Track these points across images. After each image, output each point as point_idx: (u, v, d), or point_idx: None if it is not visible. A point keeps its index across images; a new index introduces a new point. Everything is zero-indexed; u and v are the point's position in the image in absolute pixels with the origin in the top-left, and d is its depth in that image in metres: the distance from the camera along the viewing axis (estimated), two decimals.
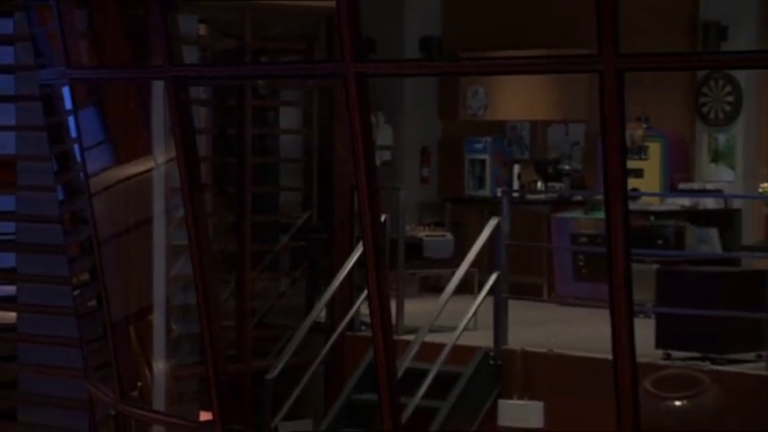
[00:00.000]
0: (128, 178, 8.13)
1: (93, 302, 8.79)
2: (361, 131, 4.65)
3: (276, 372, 9.14)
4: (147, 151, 8.11)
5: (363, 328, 9.66)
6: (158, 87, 7.23)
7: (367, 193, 4.72)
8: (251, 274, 9.91)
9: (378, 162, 10.81)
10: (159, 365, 7.96)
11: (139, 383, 7.88)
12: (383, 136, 12.49)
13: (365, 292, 6.51)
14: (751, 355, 8.44)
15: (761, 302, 8.19)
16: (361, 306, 9.53)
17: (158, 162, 7.99)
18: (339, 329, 9.59)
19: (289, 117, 11.37)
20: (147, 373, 7.94)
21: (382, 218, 8.90)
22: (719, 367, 8.30)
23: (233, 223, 9.94)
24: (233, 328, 9.74)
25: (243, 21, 9.68)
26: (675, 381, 7.92)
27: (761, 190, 9.46)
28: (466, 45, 12.22)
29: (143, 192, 8.03)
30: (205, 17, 9.94)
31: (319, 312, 9.65)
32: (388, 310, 4.89)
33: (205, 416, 7.33)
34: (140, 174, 8.14)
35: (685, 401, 7.77)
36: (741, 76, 11.19)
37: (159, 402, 7.65)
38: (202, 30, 10.12)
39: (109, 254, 7.66)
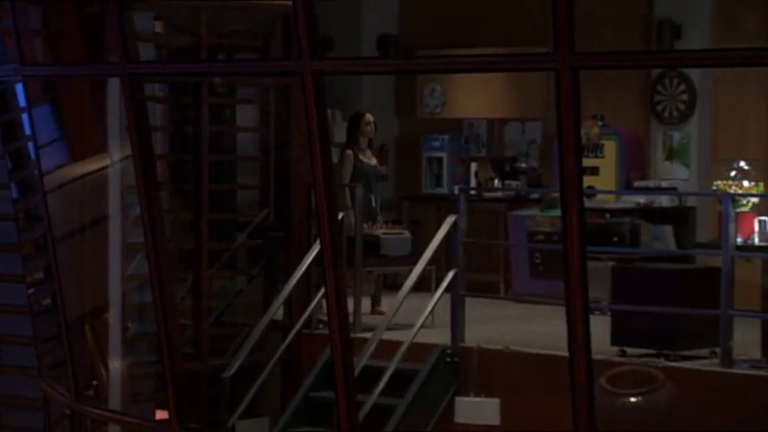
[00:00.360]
0: (83, 176, 8.08)
1: (48, 301, 8.73)
2: (317, 129, 4.65)
3: (233, 370, 9.12)
4: (102, 149, 8.06)
5: (321, 326, 9.66)
6: (114, 84, 7.19)
7: (324, 191, 4.72)
8: (208, 273, 9.87)
9: (335, 160, 10.83)
10: (115, 364, 7.92)
11: (95, 382, 7.84)
12: (341, 133, 12.48)
13: (322, 290, 6.51)
14: (705, 352, 8.51)
15: (714, 299, 8.27)
16: (318, 304, 9.52)
17: (114, 160, 7.94)
18: (296, 327, 9.58)
19: (246, 115, 11.34)
20: (103, 371, 7.90)
21: (339, 216, 8.92)
22: (674, 364, 8.37)
23: (190, 221, 9.89)
24: (190, 326, 9.71)
25: (199, 18, 9.64)
26: (630, 377, 7.98)
27: (715, 187, 9.53)
28: (423, 43, 12.24)
29: (98, 190, 7.99)
30: (161, 14, 9.89)
31: (276, 310, 9.63)
32: (345, 308, 4.90)
33: (161, 415, 7.30)
34: (96, 171, 8.09)
35: (640, 398, 7.83)
36: (695, 74, 11.29)
37: (115, 401, 7.61)
38: (158, 27, 10.06)
39: (64, 252, 7.61)
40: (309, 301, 9.68)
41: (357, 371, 7.98)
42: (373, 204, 10.42)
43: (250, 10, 10.22)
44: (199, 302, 9.74)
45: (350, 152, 10.35)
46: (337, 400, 4.78)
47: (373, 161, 10.50)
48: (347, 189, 10.16)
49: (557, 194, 5.81)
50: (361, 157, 10.37)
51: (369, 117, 10.53)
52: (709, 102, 11.41)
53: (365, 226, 10.19)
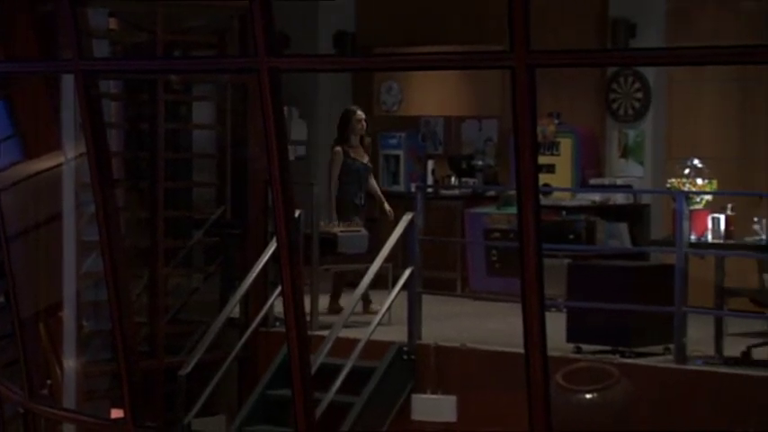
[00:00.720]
0: (37, 173, 8.02)
1: (2, 299, 8.64)
2: (274, 126, 4.64)
3: (189, 368, 9.08)
4: (56, 146, 8.00)
5: (277, 323, 9.64)
6: (68, 81, 7.14)
7: (280, 189, 4.71)
8: (164, 270, 9.82)
9: (292, 157, 10.81)
10: (70, 363, 7.86)
11: (49, 381, 7.78)
12: (297, 131, 12.46)
13: (279, 287, 6.50)
14: (659, 348, 8.58)
15: (669, 296, 8.34)
16: (275, 302, 9.50)
17: (69, 157, 7.88)
18: (253, 325, 9.55)
19: (202, 112, 11.29)
20: (58, 370, 7.84)
21: (296, 213, 8.91)
22: (629, 360, 8.43)
23: (145, 219, 9.84)
24: (145, 324, 9.65)
25: (154, 14, 9.59)
26: (586, 374, 8.03)
27: (669, 185, 9.61)
28: (380, 41, 12.24)
29: (53, 187, 7.92)
30: (115, 11, 9.83)
31: (233, 308, 9.61)
32: (302, 306, 4.88)
33: (116, 413, 7.25)
34: (50, 169, 8.03)
35: (595, 394, 7.88)
36: (650, 72, 11.37)
37: (70, 400, 7.56)
38: (113, 23, 9.99)
39: (17, 250, 7.54)
40: (266, 298, 9.65)
41: (314, 369, 7.97)
42: (360, 202, 10.36)
43: (206, 7, 10.18)
44: (155, 300, 9.69)
45: (339, 149, 10.31)
46: (294, 397, 4.78)
47: (365, 158, 10.41)
48: (332, 188, 10.22)
49: (513, 192, 5.82)
50: (352, 154, 10.30)
51: (360, 114, 10.47)
52: (664, 100, 11.50)
53: (322, 223, 10.18)
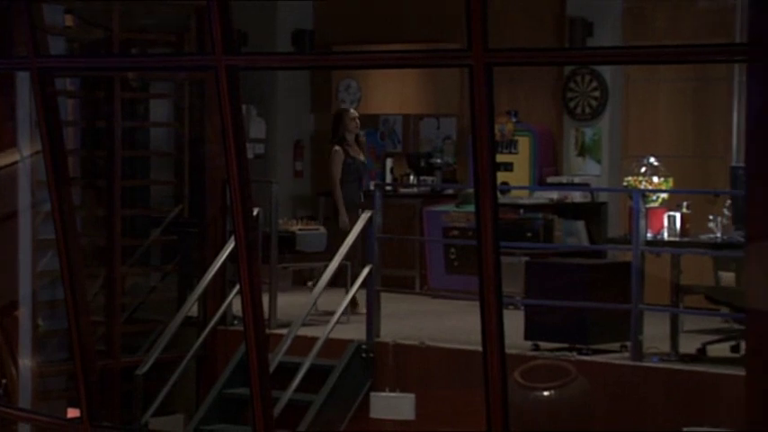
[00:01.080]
0: None
1: None
2: (232, 124, 4.62)
3: (146, 367, 9.03)
4: (12, 144, 7.93)
5: (236, 322, 9.61)
6: (24, 79, 7.07)
7: (238, 187, 4.70)
8: (121, 269, 9.77)
9: (250, 155, 10.78)
10: (25, 362, 7.80)
11: (4, 380, 7.71)
12: (256, 129, 12.43)
13: (237, 286, 6.48)
14: (616, 346, 8.64)
15: (626, 293, 8.39)
16: (233, 300, 9.47)
17: (24, 155, 7.82)
18: (211, 324, 9.52)
19: (159, 110, 11.23)
20: (13, 369, 7.77)
21: (254, 212, 8.88)
22: (586, 358, 8.48)
23: (102, 217, 9.78)
24: (102, 323, 9.60)
25: (110, 12, 9.53)
26: (543, 371, 8.06)
27: (625, 183, 9.67)
28: (338, 38, 12.24)
29: (8, 185, 7.86)
30: (71, 8, 9.76)
31: (191, 307, 9.57)
32: (260, 305, 4.87)
33: (73, 413, 7.21)
34: (5, 167, 7.96)
35: (553, 392, 7.92)
36: (606, 71, 11.44)
37: (25, 400, 7.49)
38: (69, 20, 9.92)
39: None
40: (224, 297, 9.62)
41: (272, 367, 7.96)
42: (360, 200, 10.27)
43: (164, 4, 10.13)
44: (111, 299, 9.64)
45: (339, 148, 10.25)
46: (252, 396, 4.76)
47: (361, 156, 10.40)
48: (338, 187, 10.17)
49: (471, 190, 5.83)
50: (350, 152, 10.27)
51: (353, 113, 10.44)
52: (621, 99, 11.57)
53: (281, 222, 10.15)
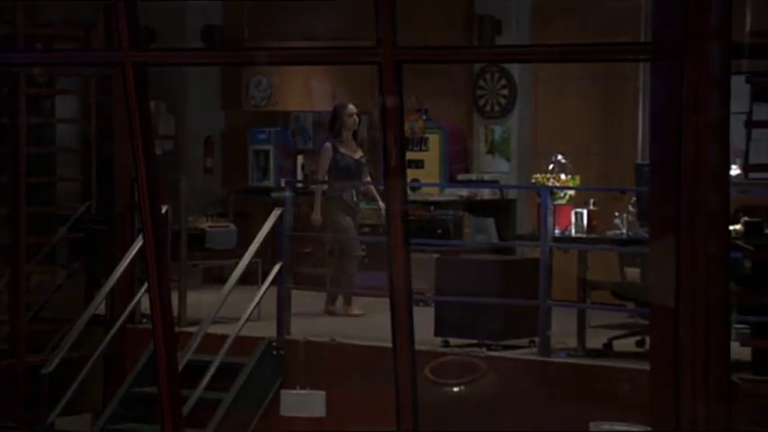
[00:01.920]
0: None
1: None
2: (139, 121, 4.57)
3: (52, 366, 8.91)
4: None
5: (144, 320, 9.52)
6: None
7: (146, 184, 4.65)
8: (26, 268, 9.62)
9: (159, 152, 10.68)
10: None
11: None
12: (165, 125, 12.31)
13: (146, 284, 6.42)
14: (525, 341, 8.72)
15: (534, 290, 8.49)
16: (142, 298, 9.38)
17: None
18: (119, 322, 9.42)
19: (66, 106, 11.08)
20: None
21: (163, 209, 8.80)
22: (495, 353, 8.55)
23: (7, 215, 9.63)
24: (6, 322, 9.45)
25: (15, 6, 9.37)
26: (453, 367, 8.12)
27: (534, 180, 9.77)
28: (249, 35, 12.18)
29: None
30: None
31: (99, 305, 9.45)
32: (169, 302, 4.83)
33: None
34: None
35: (463, 387, 7.98)
36: (515, 69, 11.54)
37: None
38: None
39: None
40: (132, 295, 9.53)
41: (181, 365, 7.90)
42: (354, 198, 10.12)
43: None
44: (16, 298, 9.49)
45: (328, 145, 10.10)
46: (161, 395, 4.72)
47: (357, 153, 10.17)
48: (320, 183, 10.10)
49: (381, 187, 5.84)
50: (341, 149, 10.06)
51: (351, 108, 10.17)
52: (529, 97, 11.69)
53: (190, 219, 10.08)
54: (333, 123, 10.25)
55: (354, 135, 10.25)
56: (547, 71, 11.49)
